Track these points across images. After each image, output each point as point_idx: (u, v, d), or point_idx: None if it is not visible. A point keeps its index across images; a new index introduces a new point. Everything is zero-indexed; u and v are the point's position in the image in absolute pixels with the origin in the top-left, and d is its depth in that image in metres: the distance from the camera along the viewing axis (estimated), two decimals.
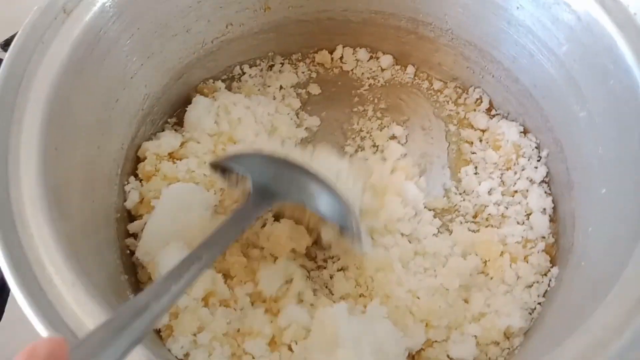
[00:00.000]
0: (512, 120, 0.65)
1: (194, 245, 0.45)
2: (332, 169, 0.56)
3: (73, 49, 0.49)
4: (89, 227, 0.50)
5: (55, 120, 0.47)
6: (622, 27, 0.47)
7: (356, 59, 0.72)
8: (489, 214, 0.61)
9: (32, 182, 0.43)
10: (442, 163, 0.65)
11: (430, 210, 0.61)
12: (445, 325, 0.53)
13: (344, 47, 0.72)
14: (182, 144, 0.63)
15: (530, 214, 0.60)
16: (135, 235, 0.58)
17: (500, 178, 0.63)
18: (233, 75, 0.71)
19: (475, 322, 0.53)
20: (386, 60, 0.72)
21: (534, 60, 0.58)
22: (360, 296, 0.56)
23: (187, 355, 0.49)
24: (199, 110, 0.64)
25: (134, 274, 0.57)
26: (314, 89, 0.71)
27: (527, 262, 0.57)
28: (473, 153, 0.65)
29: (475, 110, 0.68)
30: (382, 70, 0.72)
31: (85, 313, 0.39)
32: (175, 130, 0.66)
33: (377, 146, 0.66)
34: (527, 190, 0.61)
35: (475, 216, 0.61)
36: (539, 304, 0.54)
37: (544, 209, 0.60)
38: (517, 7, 0.56)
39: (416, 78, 0.71)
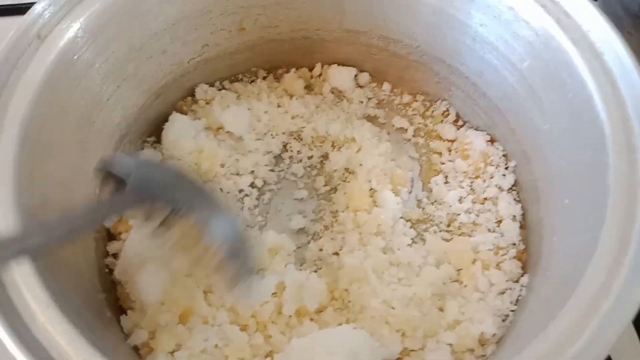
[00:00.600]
0: (479, 130, 0.67)
1: (172, 265, 0.46)
2: None
3: (48, 73, 0.50)
4: (66, 248, 0.51)
5: (31, 142, 0.48)
6: (577, 42, 0.49)
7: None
8: (461, 222, 0.62)
9: (7, 202, 0.44)
10: (414, 174, 0.67)
11: (407, 221, 0.63)
12: (420, 334, 0.54)
13: (322, 65, 0.74)
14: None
15: (500, 221, 0.61)
16: (115, 255, 0.59)
17: (470, 186, 0.64)
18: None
19: (450, 330, 0.54)
20: (363, 77, 0.73)
21: (499, 75, 0.59)
22: (336, 309, 0.57)
23: None
24: (176, 128, 0.66)
25: (113, 291, 0.57)
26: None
27: (500, 269, 0.58)
28: (442, 163, 0.67)
29: (442, 122, 0.70)
30: (360, 87, 0.73)
31: (59, 333, 0.40)
32: (154, 148, 0.67)
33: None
34: (497, 198, 0.63)
35: (448, 225, 0.63)
36: (512, 311, 0.55)
37: (514, 216, 0.61)
38: (481, 25, 0.58)
39: (391, 94, 0.73)
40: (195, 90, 0.70)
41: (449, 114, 0.70)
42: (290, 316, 0.55)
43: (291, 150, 0.69)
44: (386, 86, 0.73)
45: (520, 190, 0.62)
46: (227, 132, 0.67)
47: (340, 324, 0.55)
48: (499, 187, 0.63)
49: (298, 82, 0.71)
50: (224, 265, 0.49)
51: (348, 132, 0.68)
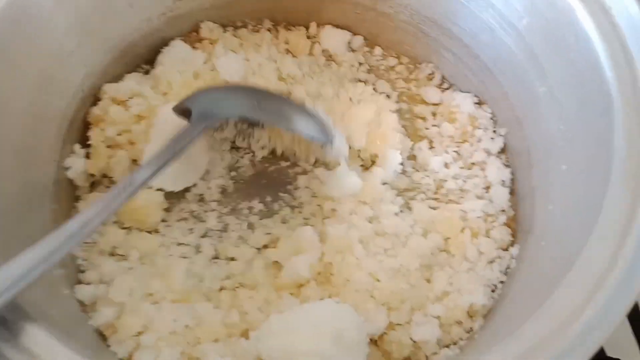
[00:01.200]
0: (466, 92, 0.64)
1: None
2: None
3: None
4: (19, 215, 0.47)
5: None
6: None
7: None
8: (448, 189, 0.59)
9: None
10: None
11: (393, 189, 0.59)
12: (407, 307, 0.51)
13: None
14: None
15: (489, 187, 0.59)
16: None
17: (457, 151, 0.61)
18: None
19: (438, 302, 0.52)
20: (357, 41, 0.68)
21: (494, 35, 0.56)
22: (318, 283, 0.53)
23: (130, 357, 0.46)
24: (176, 53, 0.62)
25: (75, 270, 0.53)
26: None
27: (489, 237, 0.55)
28: (427, 129, 0.63)
29: (426, 85, 0.66)
30: (353, 51, 0.68)
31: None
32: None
33: None
34: (485, 162, 0.60)
35: (435, 192, 0.60)
36: (501, 282, 0.53)
37: (503, 181, 0.58)
38: None
39: (380, 58, 0.68)
40: (201, 26, 0.65)
41: (433, 77, 0.66)
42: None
43: None
44: (378, 51, 0.68)
45: (511, 157, 0.59)
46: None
47: (323, 299, 0.51)
48: (487, 152, 0.60)
49: (303, 41, 0.66)
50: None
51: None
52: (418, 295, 0.52)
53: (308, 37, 0.68)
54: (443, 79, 0.66)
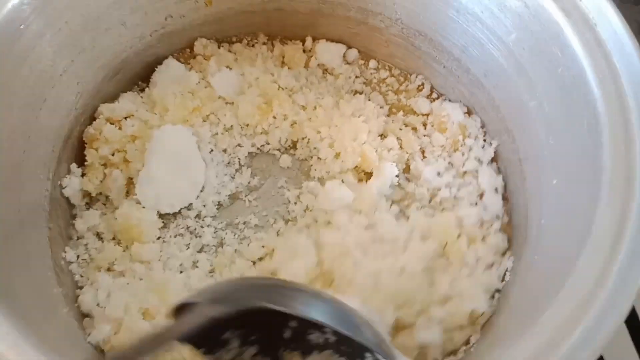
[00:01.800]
0: (455, 102, 0.64)
1: None
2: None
3: None
4: (13, 234, 0.46)
5: None
6: (569, 14, 0.46)
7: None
8: (442, 198, 0.59)
9: None
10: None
11: (387, 199, 0.60)
12: (413, 306, 0.51)
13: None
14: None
15: (482, 195, 0.59)
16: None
17: (449, 160, 0.62)
18: None
19: (441, 306, 0.52)
20: (351, 54, 0.69)
21: (484, 49, 0.56)
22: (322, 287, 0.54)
23: None
24: (170, 73, 0.62)
25: (74, 287, 0.53)
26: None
27: (485, 242, 0.56)
28: (418, 138, 0.64)
29: (416, 96, 0.66)
30: (349, 64, 0.69)
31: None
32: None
33: None
34: (477, 171, 0.61)
35: (430, 201, 0.60)
36: (498, 290, 0.53)
37: (496, 188, 0.59)
38: None
39: (374, 71, 0.69)
40: (194, 44, 0.65)
41: (423, 88, 0.67)
42: None
43: None
44: (373, 64, 0.69)
45: (505, 169, 0.60)
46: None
47: None
48: (479, 160, 0.61)
49: (298, 54, 0.67)
50: None
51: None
52: (423, 296, 0.52)
53: (304, 51, 0.68)
54: (432, 89, 0.67)
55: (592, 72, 0.44)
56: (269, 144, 0.63)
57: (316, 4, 0.65)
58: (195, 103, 0.61)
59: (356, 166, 0.61)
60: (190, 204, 0.58)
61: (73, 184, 0.56)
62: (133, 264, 0.54)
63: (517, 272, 0.51)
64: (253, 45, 0.68)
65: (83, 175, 0.57)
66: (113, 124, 0.58)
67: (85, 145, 0.58)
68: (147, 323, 0.49)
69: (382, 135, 0.63)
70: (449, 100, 0.65)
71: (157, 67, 0.63)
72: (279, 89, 0.64)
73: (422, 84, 0.67)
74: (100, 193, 0.58)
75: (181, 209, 0.58)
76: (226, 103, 0.63)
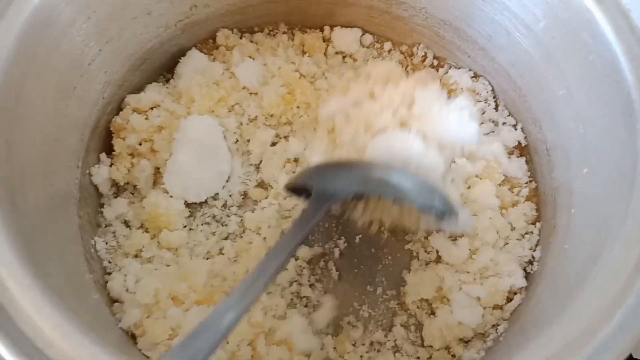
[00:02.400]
0: (460, 68, 0.64)
1: None
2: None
3: (22, 33, 0.46)
4: (46, 221, 0.47)
5: (6, 111, 0.44)
6: (600, 0, 0.46)
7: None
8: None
9: None
10: None
11: None
12: None
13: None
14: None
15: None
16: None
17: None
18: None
19: (479, 284, 0.52)
20: (367, 39, 0.68)
21: (511, 38, 0.56)
22: None
23: None
24: (193, 64, 0.62)
25: (103, 273, 0.54)
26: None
27: (517, 208, 0.56)
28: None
29: (422, 68, 0.66)
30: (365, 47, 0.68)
31: (43, 317, 0.36)
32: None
33: None
34: (493, 132, 0.61)
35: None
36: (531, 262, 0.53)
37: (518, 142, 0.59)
38: None
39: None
40: (217, 34, 0.65)
41: (426, 58, 0.67)
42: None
43: None
44: (387, 45, 0.68)
45: (531, 160, 0.59)
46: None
47: None
48: (494, 122, 0.62)
49: (318, 43, 0.67)
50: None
51: None
52: None
53: (323, 40, 0.68)
54: (435, 58, 0.67)
55: (626, 59, 0.44)
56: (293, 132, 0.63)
57: None
58: (220, 94, 0.61)
59: None
60: (217, 193, 0.59)
61: (102, 173, 0.56)
62: (160, 251, 0.55)
63: (545, 262, 0.51)
64: (274, 35, 0.68)
65: (111, 165, 0.58)
66: (140, 114, 0.58)
67: (113, 134, 0.59)
68: (177, 309, 0.49)
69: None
70: (455, 68, 0.65)
71: (180, 59, 0.64)
72: (300, 78, 0.64)
73: (425, 54, 0.66)
74: (128, 182, 0.58)
75: (207, 198, 0.58)
76: (250, 93, 0.63)
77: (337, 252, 0.57)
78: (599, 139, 0.46)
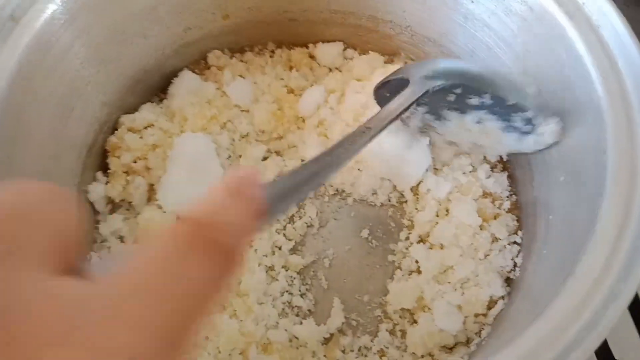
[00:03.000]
0: None
1: None
2: None
3: (23, 57, 0.48)
4: None
5: (6, 132, 0.46)
6: (572, 16, 0.48)
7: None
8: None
9: None
10: None
11: None
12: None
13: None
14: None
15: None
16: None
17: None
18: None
19: (459, 293, 0.54)
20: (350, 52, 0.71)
21: (492, 53, 0.58)
22: None
23: None
24: (186, 84, 0.64)
25: None
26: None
27: (499, 219, 0.58)
28: None
29: None
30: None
31: None
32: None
33: None
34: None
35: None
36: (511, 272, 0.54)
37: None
38: (472, 2, 0.56)
39: None
40: (208, 55, 0.68)
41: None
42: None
43: None
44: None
45: (514, 169, 0.61)
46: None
47: None
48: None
49: (305, 59, 0.69)
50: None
51: None
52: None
53: (309, 56, 0.71)
54: None
55: (596, 72, 0.45)
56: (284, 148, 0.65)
57: (328, 13, 0.67)
58: (212, 112, 0.63)
59: None
60: None
61: (98, 191, 0.58)
62: None
63: (526, 268, 0.52)
64: (263, 54, 0.70)
65: (107, 183, 0.60)
66: (135, 133, 0.61)
67: (108, 153, 0.61)
68: None
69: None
70: None
71: (173, 79, 0.66)
72: (289, 93, 0.66)
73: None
74: (123, 199, 0.60)
75: None
76: (242, 111, 0.65)
77: (327, 262, 0.59)
78: (573, 148, 0.48)
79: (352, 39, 0.70)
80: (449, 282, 0.54)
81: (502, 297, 0.53)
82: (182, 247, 0.22)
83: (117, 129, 0.62)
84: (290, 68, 0.69)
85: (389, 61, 0.69)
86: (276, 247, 0.58)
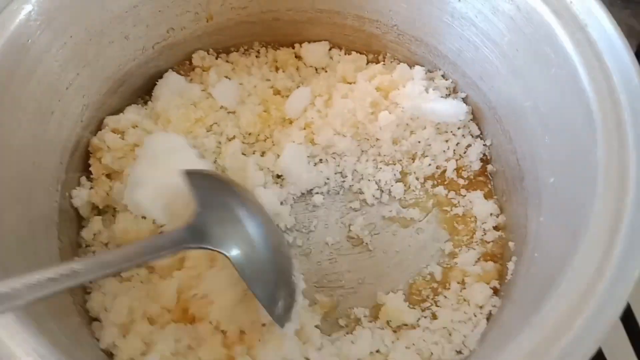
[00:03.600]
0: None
1: None
2: None
3: None
4: (25, 246, 0.47)
5: None
6: (560, 15, 0.47)
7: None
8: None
9: None
10: None
11: None
12: None
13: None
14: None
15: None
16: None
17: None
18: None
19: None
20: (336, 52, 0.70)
21: (479, 52, 0.58)
22: None
23: None
24: (171, 85, 0.63)
25: (83, 293, 0.54)
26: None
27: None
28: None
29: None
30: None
31: (16, 343, 0.36)
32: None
33: None
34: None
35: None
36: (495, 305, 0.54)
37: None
38: (459, 0, 0.56)
39: None
40: (193, 56, 0.67)
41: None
42: None
43: None
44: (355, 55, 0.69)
45: (503, 170, 0.60)
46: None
47: None
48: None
49: (291, 59, 0.68)
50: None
51: None
52: None
53: (295, 56, 0.69)
54: None
55: (585, 71, 0.45)
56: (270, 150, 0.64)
57: (313, 12, 0.66)
58: (198, 114, 0.62)
59: None
60: None
61: (82, 196, 0.57)
62: (139, 269, 0.55)
63: (518, 271, 0.52)
64: (249, 54, 0.69)
65: (91, 188, 0.58)
66: (117, 135, 0.59)
67: (91, 155, 0.59)
68: (152, 327, 0.50)
69: None
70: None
71: (158, 81, 0.65)
72: (275, 94, 0.65)
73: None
74: (108, 205, 0.59)
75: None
76: (228, 112, 0.64)
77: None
78: (563, 148, 0.48)
79: (337, 39, 0.69)
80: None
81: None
82: None
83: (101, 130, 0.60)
84: (277, 69, 0.68)
85: (374, 60, 0.68)
86: None
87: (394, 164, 0.63)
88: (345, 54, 0.69)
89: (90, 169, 0.59)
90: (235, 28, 0.66)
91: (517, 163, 0.56)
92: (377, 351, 0.52)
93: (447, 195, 0.61)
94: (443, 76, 0.65)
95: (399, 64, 0.66)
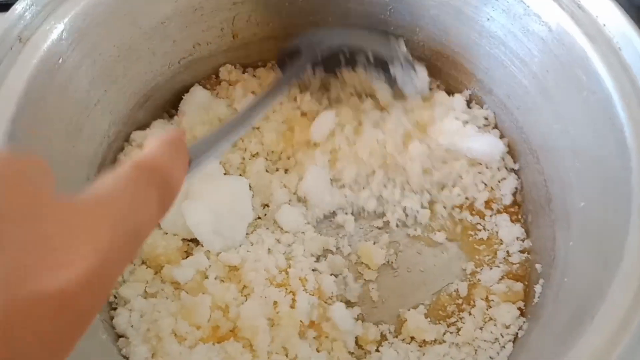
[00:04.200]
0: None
1: None
2: None
3: (31, 78, 0.47)
4: None
5: (17, 150, 0.45)
6: (593, 38, 0.47)
7: None
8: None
9: None
10: None
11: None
12: None
13: None
14: None
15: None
16: None
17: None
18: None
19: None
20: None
21: (507, 71, 0.57)
22: None
23: None
24: (197, 100, 0.63)
25: (109, 309, 0.54)
26: None
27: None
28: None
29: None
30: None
31: None
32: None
33: None
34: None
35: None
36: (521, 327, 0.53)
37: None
38: (488, 19, 0.55)
39: None
40: (220, 70, 0.67)
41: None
42: None
43: None
44: None
45: (529, 190, 0.60)
46: None
47: None
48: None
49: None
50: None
51: None
52: None
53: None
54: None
55: (618, 96, 0.44)
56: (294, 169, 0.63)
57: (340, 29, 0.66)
58: None
59: None
60: None
61: None
62: (164, 285, 0.55)
63: (546, 295, 0.51)
64: (276, 70, 0.69)
65: None
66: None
67: None
68: (183, 347, 0.50)
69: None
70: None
71: (184, 95, 0.65)
72: (301, 116, 0.65)
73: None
74: None
75: None
76: (253, 128, 0.64)
77: None
78: (594, 174, 0.47)
79: None
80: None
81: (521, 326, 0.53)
82: (138, 180, 0.29)
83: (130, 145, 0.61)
84: (305, 89, 0.67)
85: None
86: None
87: (422, 193, 0.61)
88: None
89: None
90: (260, 44, 0.67)
91: (545, 184, 0.56)
92: None
93: (471, 221, 0.60)
94: (477, 103, 0.64)
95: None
